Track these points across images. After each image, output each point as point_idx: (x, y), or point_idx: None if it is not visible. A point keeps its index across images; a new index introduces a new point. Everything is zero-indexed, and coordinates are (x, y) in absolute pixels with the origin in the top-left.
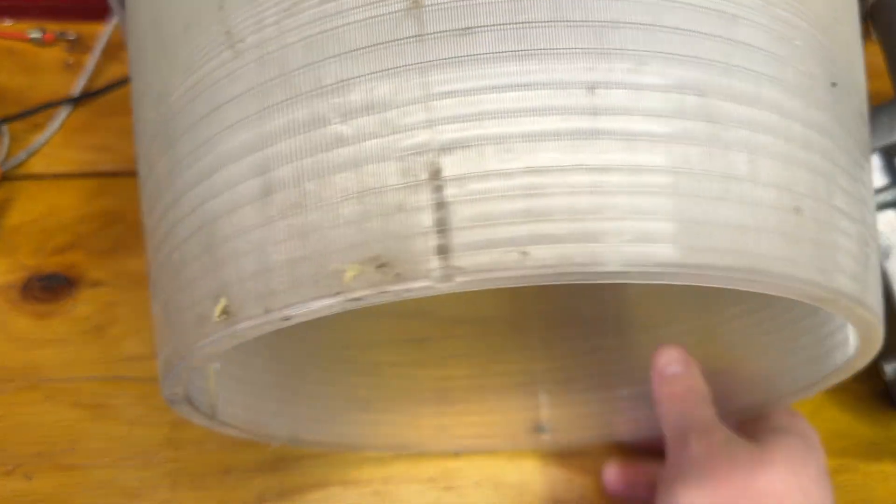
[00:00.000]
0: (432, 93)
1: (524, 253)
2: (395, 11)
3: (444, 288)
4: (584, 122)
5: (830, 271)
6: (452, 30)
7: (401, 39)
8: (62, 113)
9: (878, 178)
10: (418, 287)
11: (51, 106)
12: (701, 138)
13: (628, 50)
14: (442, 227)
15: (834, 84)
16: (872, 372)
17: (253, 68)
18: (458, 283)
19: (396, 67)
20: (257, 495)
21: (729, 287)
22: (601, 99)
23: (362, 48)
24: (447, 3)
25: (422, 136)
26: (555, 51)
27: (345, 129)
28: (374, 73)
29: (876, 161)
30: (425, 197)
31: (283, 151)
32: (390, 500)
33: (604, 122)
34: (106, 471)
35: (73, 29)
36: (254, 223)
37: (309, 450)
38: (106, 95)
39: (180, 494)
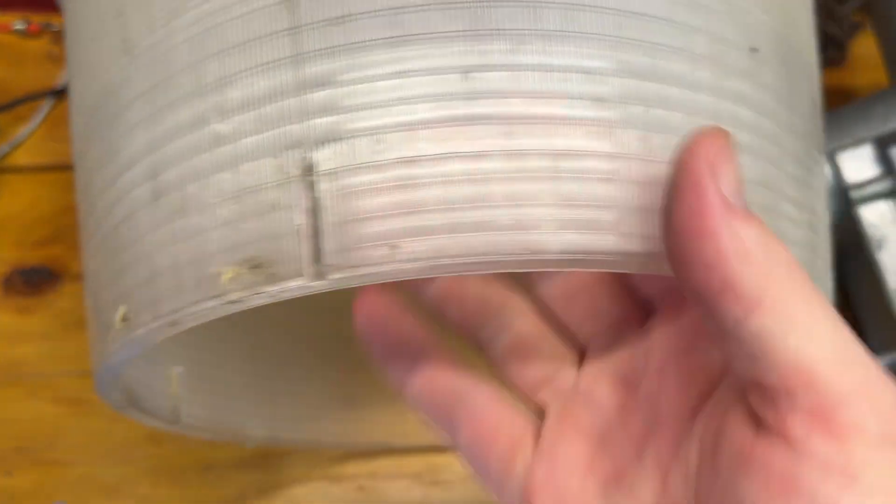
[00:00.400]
0: (306, 86)
1: (394, 247)
2: (272, 4)
3: (319, 286)
4: (458, 109)
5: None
6: (327, 19)
7: (276, 32)
8: (46, 105)
9: (871, 169)
10: (293, 287)
11: (35, 98)
12: (592, 119)
13: (506, 30)
14: (315, 224)
15: (754, 49)
16: None
17: (144, 72)
18: (332, 281)
19: (272, 62)
20: (239, 491)
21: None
22: (477, 83)
23: (240, 43)
24: None
25: (295, 132)
26: (430, 35)
27: (223, 127)
28: (250, 68)
29: (869, 151)
30: (298, 194)
31: (169, 154)
32: (376, 496)
33: (479, 108)
34: (86, 466)
35: (57, 20)
36: (146, 229)
37: (292, 446)
38: None
39: (161, 490)
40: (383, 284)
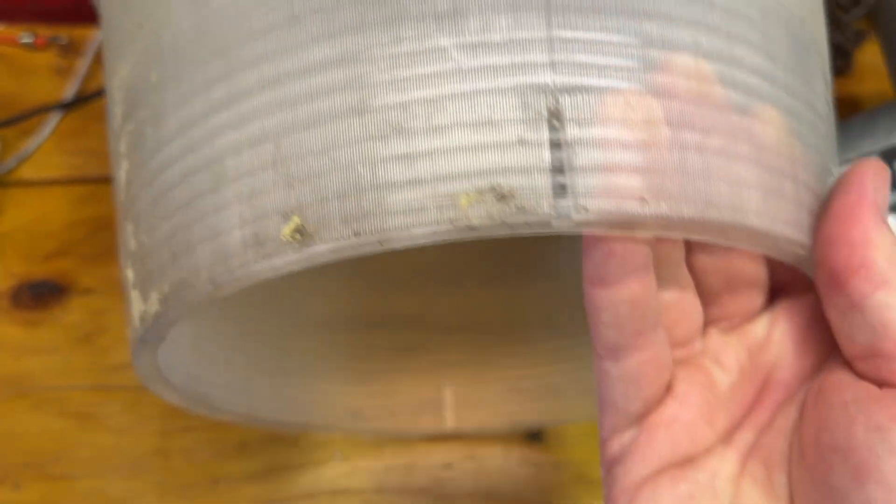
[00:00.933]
0: (554, 34)
1: (644, 201)
2: None
3: (561, 226)
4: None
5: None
6: None
7: None
8: (53, 118)
9: None
10: (537, 222)
11: (42, 111)
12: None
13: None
14: (565, 166)
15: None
16: None
17: None
18: (577, 224)
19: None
20: None
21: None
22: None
23: None
24: None
25: (544, 75)
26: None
27: (461, 58)
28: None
29: None
30: (546, 135)
31: (382, 67)
32: None
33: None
34: (93, 480)
35: (65, 33)
36: (347, 139)
37: (299, 460)
38: (98, 100)
39: None
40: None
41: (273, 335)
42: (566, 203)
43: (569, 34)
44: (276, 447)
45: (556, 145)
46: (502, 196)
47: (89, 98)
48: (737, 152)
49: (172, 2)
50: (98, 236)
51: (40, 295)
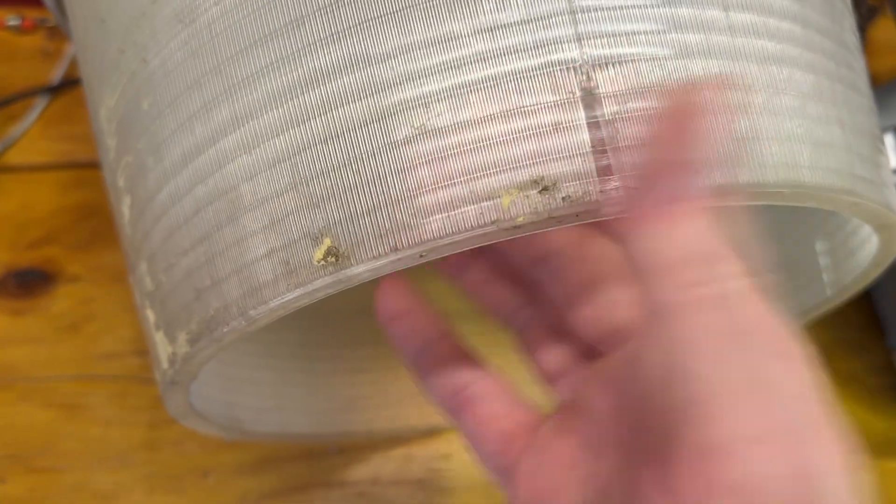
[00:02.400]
0: (576, 4)
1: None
2: None
3: (611, 212)
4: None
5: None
6: None
7: None
8: (40, 103)
9: (892, 159)
10: (586, 212)
11: (28, 95)
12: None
13: None
14: (605, 146)
15: None
16: (886, 365)
17: None
18: (628, 206)
19: None
20: (238, 498)
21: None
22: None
23: None
24: None
25: (571, 51)
26: None
27: (478, 42)
28: None
29: (890, 141)
30: (583, 114)
31: (395, 63)
32: (376, 502)
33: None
34: (80, 473)
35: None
36: (370, 147)
37: (291, 450)
38: None
39: (156, 498)
40: (402, 272)
41: (299, 344)
42: (614, 186)
43: (591, 1)
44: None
45: (594, 125)
46: (545, 188)
47: (77, 82)
48: (781, 106)
49: (155, 23)
50: (85, 223)
51: (26, 283)
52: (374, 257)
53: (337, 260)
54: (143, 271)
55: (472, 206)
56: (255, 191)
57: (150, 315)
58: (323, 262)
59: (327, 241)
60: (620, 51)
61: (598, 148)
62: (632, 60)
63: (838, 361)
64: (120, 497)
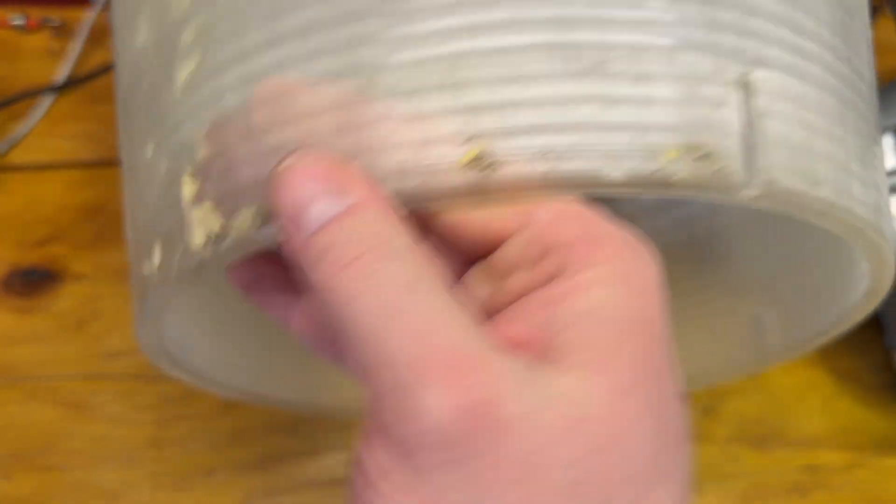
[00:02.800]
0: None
1: (815, 184)
2: None
3: (747, 195)
4: None
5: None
6: None
7: None
8: (45, 101)
9: (892, 159)
10: (728, 188)
11: (33, 94)
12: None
13: None
14: (756, 136)
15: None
16: (885, 364)
17: None
18: (755, 200)
19: None
20: (243, 496)
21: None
22: None
23: None
24: None
25: (735, 44)
26: None
27: (663, 14)
28: None
29: (889, 141)
30: (744, 101)
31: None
32: None
33: None
34: (85, 471)
35: (57, 15)
36: (537, 72)
37: (297, 449)
38: (91, 83)
39: (161, 496)
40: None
41: None
42: (758, 169)
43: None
44: (273, 436)
45: (748, 114)
46: (703, 156)
47: (82, 80)
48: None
49: None
50: (90, 222)
51: (32, 282)
52: (524, 171)
53: (489, 165)
54: (189, 138)
55: (637, 152)
56: (409, 78)
57: (189, 186)
58: (468, 167)
59: (480, 146)
60: (775, 57)
61: (747, 137)
62: (786, 68)
63: (838, 360)
64: (125, 495)
